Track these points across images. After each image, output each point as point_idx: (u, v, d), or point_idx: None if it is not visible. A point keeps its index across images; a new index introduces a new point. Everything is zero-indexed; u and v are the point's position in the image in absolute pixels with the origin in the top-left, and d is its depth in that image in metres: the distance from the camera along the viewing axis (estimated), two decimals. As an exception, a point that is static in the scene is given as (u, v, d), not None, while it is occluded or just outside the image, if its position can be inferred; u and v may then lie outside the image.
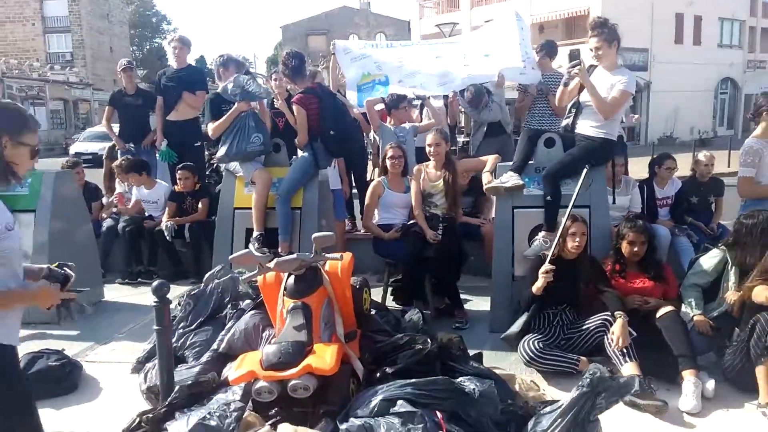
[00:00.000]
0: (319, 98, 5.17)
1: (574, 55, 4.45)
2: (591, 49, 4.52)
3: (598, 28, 4.47)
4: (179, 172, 6.48)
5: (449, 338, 3.75)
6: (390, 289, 5.24)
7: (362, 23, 50.82)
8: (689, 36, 31.11)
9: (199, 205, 6.40)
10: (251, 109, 5.31)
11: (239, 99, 5.16)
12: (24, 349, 4.23)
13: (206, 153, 7.53)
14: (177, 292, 4.68)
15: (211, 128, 5.32)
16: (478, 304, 5.31)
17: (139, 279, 6.15)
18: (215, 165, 7.58)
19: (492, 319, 4.75)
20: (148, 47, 63.35)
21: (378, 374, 3.26)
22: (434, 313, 4.96)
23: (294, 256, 3.41)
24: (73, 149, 23.88)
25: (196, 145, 7.09)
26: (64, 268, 2.37)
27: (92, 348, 4.57)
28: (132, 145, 7.25)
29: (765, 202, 4.40)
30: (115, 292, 5.87)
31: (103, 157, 8.00)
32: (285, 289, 3.41)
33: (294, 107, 5.20)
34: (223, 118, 5.23)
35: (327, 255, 3.47)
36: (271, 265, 3.42)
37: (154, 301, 3.29)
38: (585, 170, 4.46)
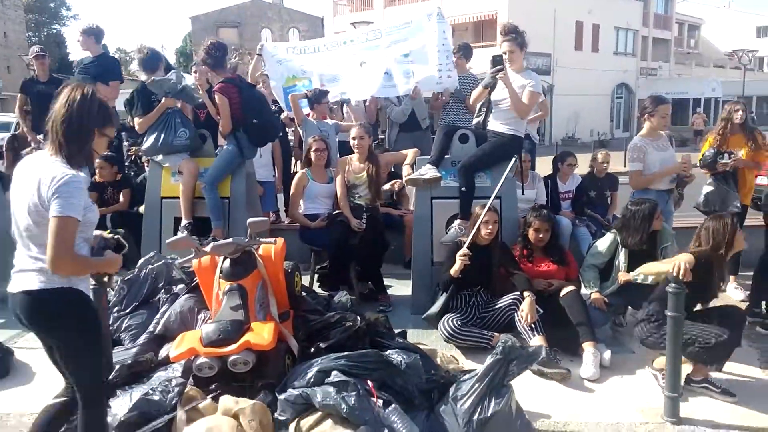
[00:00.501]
0: (239, 88, 5.30)
1: (497, 60, 4.78)
2: (504, 52, 4.92)
3: (511, 33, 4.88)
4: (97, 161, 6.37)
5: (376, 317, 4.05)
6: (316, 276, 5.47)
7: (275, 17, 50.15)
8: (588, 43, 33.10)
9: (121, 196, 6.34)
10: (177, 106, 5.39)
11: (171, 96, 5.23)
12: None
13: (125, 143, 7.41)
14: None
15: (138, 122, 5.33)
16: (399, 289, 5.62)
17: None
18: (134, 156, 7.49)
19: (413, 302, 5.09)
20: (45, 33, 59.65)
21: (312, 349, 3.49)
22: (359, 298, 5.22)
23: (230, 240, 3.58)
24: (-36, 139, 22.26)
25: None
26: (117, 237, 2.64)
27: (20, 335, 4.51)
28: (42, 138, 7.02)
29: (651, 192, 4.98)
30: (34, 283, 5.69)
31: (3, 148, 7.66)
32: (221, 272, 3.57)
33: (216, 96, 5.30)
34: (151, 113, 5.28)
35: (261, 239, 3.66)
36: (208, 249, 3.57)
37: (92, 284, 3.34)
38: (513, 160, 4.79)
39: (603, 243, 4.64)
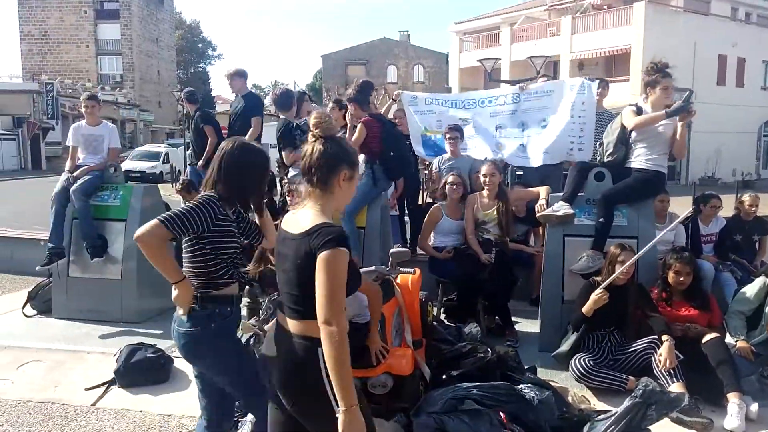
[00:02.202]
0: (382, 123, 5.69)
1: (688, 97, 4.71)
2: (665, 88, 4.82)
3: (668, 70, 4.82)
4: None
5: (506, 351, 4.09)
6: (443, 308, 5.58)
7: (401, 54, 51.76)
8: (732, 78, 31.05)
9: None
10: None
11: None
12: (120, 343, 4.71)
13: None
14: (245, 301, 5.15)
15: (287, 156, 5.82)
16: (525, 326, 5.58)
17: (208, 288, 6.59)
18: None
19: (541, 339, 5.05)
20: (192, 71, 65.53)
21: (444, 377, 3.60)
22: (485, 332, 5.26)
23: (373, 268, 3.78)
24: (123, 167, 24.88)
25: None
26: None
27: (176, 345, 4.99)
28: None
29: None
30: (186, 298, 6.27)
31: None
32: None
33: (359, 126, 5.64)
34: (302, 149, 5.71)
35: (401, 269, 3.84)
36: (350, 275, 3.80)
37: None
38: (690, 212, 4.68)
39: (752, 289, 4.39)
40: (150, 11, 52.08)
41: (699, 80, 28.29)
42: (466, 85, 37.26)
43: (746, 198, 6.10)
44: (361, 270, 3.76)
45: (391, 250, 3.78)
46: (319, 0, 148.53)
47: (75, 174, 5.78)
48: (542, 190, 5.61)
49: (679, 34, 27.42)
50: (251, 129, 7.25)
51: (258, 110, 7.60)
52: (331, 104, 7.37)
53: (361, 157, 5.50)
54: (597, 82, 6.47)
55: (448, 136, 6.44)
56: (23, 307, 5.92)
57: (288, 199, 6.79)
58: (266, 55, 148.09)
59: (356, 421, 2.04)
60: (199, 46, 66.54)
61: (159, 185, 7.54)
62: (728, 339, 4.33)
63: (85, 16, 48.57)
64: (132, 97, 47.48)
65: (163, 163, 28.04)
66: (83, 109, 6.09)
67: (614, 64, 29.99)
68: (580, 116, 6.20)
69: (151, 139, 43.92)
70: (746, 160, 31.65)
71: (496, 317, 5.44)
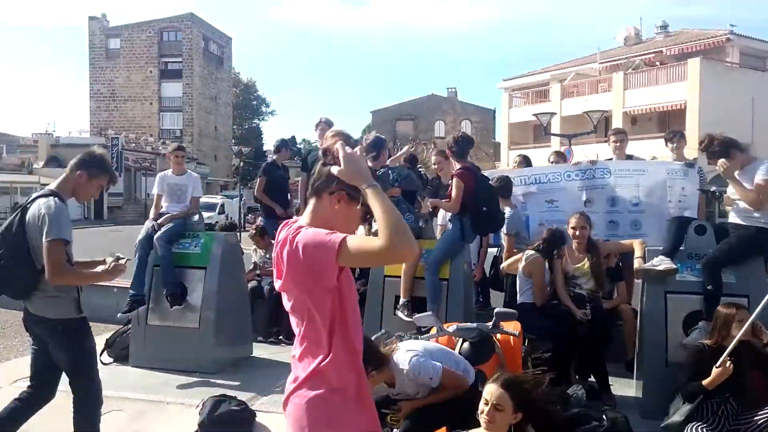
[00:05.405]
0: (475, 175, 5.49)
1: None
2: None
3: (706, 151, 4.66)
4: None
5: (615, 417, 3.78)
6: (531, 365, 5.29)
7: (449, 110, 52.39)
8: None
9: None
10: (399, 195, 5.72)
11: (397, 186, 5.58)
12: (198, 393, 4.59)
13: None
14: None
15: None
16: (618, 388, 5.22)
17: (281, 338, 6.49)
18: None
19: (643, 405, 4.71)
20: (246, 126, 67.59)
21: (559, 444, 3.33)
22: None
23: (474, 325, 3.64)
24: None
25: None
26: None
27: (255, 398, 4.87)
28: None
29: None
30: (260, 350, 6.24)
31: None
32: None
33: (454, 179, 5.48)
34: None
35: (503, 328, 3.66)
36: (451, 329, 3.63)
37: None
38: None
39: None
40: (210, 71, 54.50)
41: (758, 135, 27.53)
42: (516, 139, 37.34)
43: None
44: (462, 326, 3.62)
45: (496, 309, 3.66)
46: (369, 57, 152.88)
47: (159, 221, 5.83)
48: (636, 244, 5.35)
49: (736, 90, 27.02)
50: None
51: None
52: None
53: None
54: (697, 167, 6.19)
55: None
56: (100, 355, 5.88)
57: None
58: (317, 111, 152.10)
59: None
60: (254, 103, 68.82)
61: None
62: None
63: (150, 76, 51.14)
64: (190, 150, 49.14)
65: (219, 213, 28.86)
66: (170, 159, 6.25)
67: (669, 119, 29.57)
68: (680, 201, 6.05)
69: (206, 191, 45.21)
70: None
71: (590, 378, 5.11)
